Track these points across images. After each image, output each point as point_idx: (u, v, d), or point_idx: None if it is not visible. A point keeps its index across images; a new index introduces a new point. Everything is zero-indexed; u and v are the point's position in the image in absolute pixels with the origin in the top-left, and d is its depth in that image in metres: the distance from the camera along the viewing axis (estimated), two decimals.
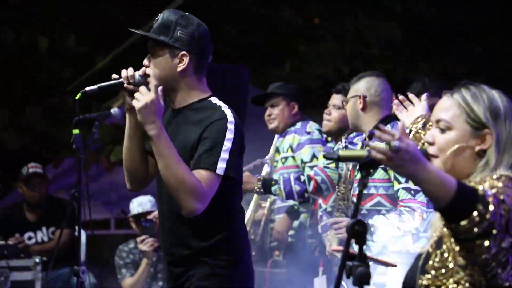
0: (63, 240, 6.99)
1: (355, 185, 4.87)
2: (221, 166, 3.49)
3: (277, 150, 6.38)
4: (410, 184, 4.55)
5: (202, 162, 3.51)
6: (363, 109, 4.85)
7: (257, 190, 5.45)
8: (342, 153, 2.64)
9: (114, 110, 5.67)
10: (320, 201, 5.86)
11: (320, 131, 6.16)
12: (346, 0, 13.23)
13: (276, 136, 6.53)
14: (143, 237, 6.51)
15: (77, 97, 3.76)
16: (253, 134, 8.81)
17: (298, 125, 6.31)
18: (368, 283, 2.51)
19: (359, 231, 2.54)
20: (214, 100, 3.67)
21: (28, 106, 9.77)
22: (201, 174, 3.50)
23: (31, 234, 7.54)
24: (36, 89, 10.42)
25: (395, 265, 3.89)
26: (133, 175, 3.77)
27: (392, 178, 4.65)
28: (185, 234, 3.62)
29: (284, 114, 6.40)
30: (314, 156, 6.09)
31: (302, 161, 6.14)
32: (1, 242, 7.09)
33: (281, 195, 5.49)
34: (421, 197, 4.54)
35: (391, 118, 4.83)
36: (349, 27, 13.81)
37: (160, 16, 3.64)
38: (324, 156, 2.82)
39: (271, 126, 6.44)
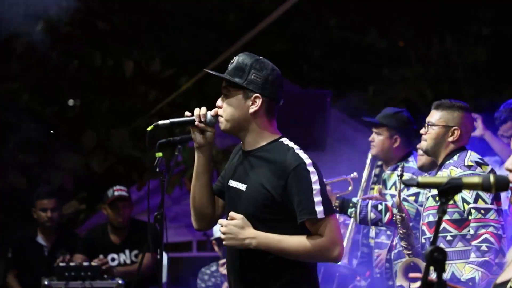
0: (145, 263, 7.05)
1: (425, 213, 4.88)
2: (319, 210, 3.55)
3: (384, 182, 6.23)
4: (479, 204, 4.61)
5: (302, 214, 3.56)
6: (454, 141, 4.82)
7: (334, 208, 5.45)
8: (421, 179, 2.64)
9: None
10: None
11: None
12: (432, 23, 13.10)
13: (369, 157, 6.43)
14: (223, 260, 6.51)
15: (149, 129, 3.85)
16: (335, 155, 8.79)
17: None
18: None
19: (437, 258, 2.51)
20: (286, 141, 3.71)
21: (114, 129, 9.92)
22: (313, 227, 3.57)
23: (114, 255, 7.62)
24: (121, 112, 10.59)
25: None
26: (201, 214, 3.85)
27: (459, 201, 4.65)
28: (256, 274, 3.66)
29: (384, 144, 6.24)
30: (393, 185, 6.00)
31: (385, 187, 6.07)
32: (85, 263, 7.19)
33: (355, 219, 5.48)
34: (492, 215, 4.58)
35: (462, 149, 4.86)
36: (435, 50, 13.66)
37: (236, 59, 3.72)
38: (403, 183, 2.81)
39: (371, 151, 6.34)
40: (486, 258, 4.56)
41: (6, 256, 7.87)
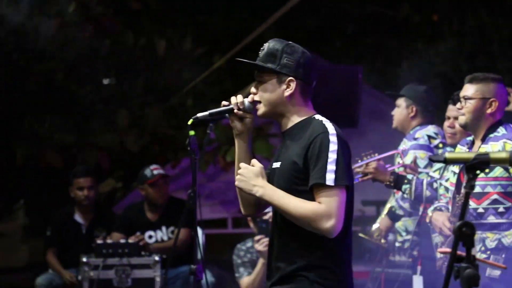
0: (181, 239, 7.12)
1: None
2: (329, 177, 3.58)
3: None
4: None
5: (313, 179, 3.62)
6: (493, 114, 4.80)
7: (388, 183, 5.51)
8: (448, 155, 2.64)
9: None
10: None
11: (431, 136, 6.12)
12: None
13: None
14: (258, 236, 6.56)
15: (189, 123, 3.97)
16: (368, 131, 8.79)
17: (412, 130, 6.27)
18: (476, 285, 2.47)
19: (466, 233, 2.51)
20: (317, 116, 3.79)
21: (148, 108, 9.98)
22: (317, 193, 3.61)
23: (151, 233, 7.71)
24: (155, 90, 10.64)
25: (505, 267, 3.81)
26: (247, 199, 3.90)
27: None
28: (289, 250, 3.71)
29: (400, 115, 6.35)
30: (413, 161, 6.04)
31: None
32: (123, 240, 7.28)
33: (409, 196, 5.51)
34: None
35: (500, 123, 4.83)
36: (470, 23, 13.53)
37: (266, 45, 3.81)
38: (430, 159, 2.81)
39: (393, 125, 6.42)
40: None
41: (45, 234, 8.00)
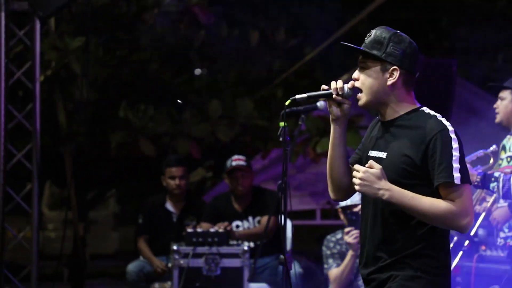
0: (270, 226, 7.16)
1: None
2: (456, 175, 3.60)
3: (503, 148, 6.13)
4: None
5: (440, 178, 3.61)
6: None
7: (476, 183, 5.41)
8: None
9: (321, 103, 5.77)
10: None
11: None
12: None
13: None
14: (348, 228, 6.54)
15: (286, 104, 3.94)
16: (464, 127, 8.65)
17: None
18: None
19: None
20: (427, 109, 3.77)
21: (239, 98, 10.04)
22: (446, 191, 3.62)
23: (238, 223, 7.76)
24: (247, 81, 10.70)
25: None
26: (338, 184, 3.89)
27: None
28: (392, 239, 3.71)
29: (507, 108, 6.11)
30: None
31: None
32: (212, 229, 7.35)
33: (498, 193, 5.40)
34: None
35: None
36: None
37: (373, 32, 3.79)
38: None
39: (496, 120, 6.19)
40: None
41: (137, 222, 8.14)
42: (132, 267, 7.80)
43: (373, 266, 3.75)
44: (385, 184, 3.63)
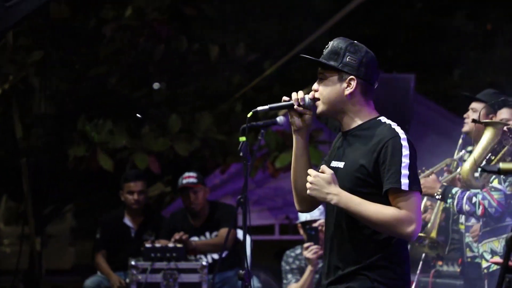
0: (229, 239, 7.13)
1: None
2: (404, 182, 3.62)
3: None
4: None
5: (387, 183, 3.64)
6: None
7: (436, 196, 5.46)
8: (503, 166, 2.61)
9: (280, 118, 5.77)
10: None
11: None
12: None
13: (461, 138, 6.33)
14: (307, 244, 6.55)
15: (248, 115, 3.99)
16: (420, 140, 8.72)
17: None
18: None
19: None
20: (384, 119, 3.81)
21: (198, 113, 10.02)
22: (394, 198, 3.65)
23: (195, 238, 7.73)
24: (206, 96, 10.67)
25: None
26: (302, 196, 3.92)
27: None
28: (351, 250, 3.74)
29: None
30: None
31: None
32: (171, 244, 7.32)
33: (453, 209, 5.46)
34: None
35: None
36: None
37: (330, 43, 3.84)
38: (483, 169, 2.79)
39: (463, 128, 6.22)
40: None
41: (94, 237, 8.07)
42: (89, 282, 7.73)
43: (332, 276, 3.79)
44: (334, 189, 3.68)
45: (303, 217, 6.73)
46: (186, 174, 7.77)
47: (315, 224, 6.60)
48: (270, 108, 3.91)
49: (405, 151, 3.64)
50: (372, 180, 3.68)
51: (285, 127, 8.92)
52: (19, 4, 5.78)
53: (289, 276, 6.73)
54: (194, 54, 10.08)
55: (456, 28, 13.41)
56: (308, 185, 3.73)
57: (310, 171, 3.76)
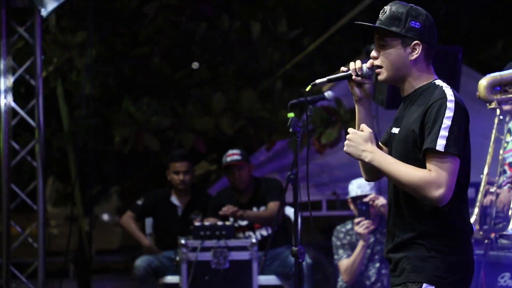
0: (275, 212, 7.12)
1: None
2: (440, 143, 3.52)
3: (509, 131, 6.10)
4: None
5: (425, 144, 3.57)
6: None
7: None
8: None
9: (328, 93, 5.75)
10: None
11: None
12: None
13: (508, 116, 6.25)
14: (358, 219, 6.53)
15: (307, 89, 3.90)
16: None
17: None
18: None
19: None
20: (438, 81, 3.72)
21: (242, 90, 10.01)
22: (428, 159, 3.57)
23: None
24: (249, 73, 10.65)
25: None
26: (368, 165, 3.83)
27: None
28: (406, 217, 3.69)
29: None
30: None
31: None
32: (220, 222, 7.34)
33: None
34: None
35: None
36: None
37: (388, 8, 3.74)
38: None
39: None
40: None
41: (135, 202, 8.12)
42: (140, 262, 7.77)
43: (390, 243, 3.75)
44: (370, 147, 3.65)
45: (354, 192, 6.70)
46: (230, 151, 7.78)
47: (365, 199, 6.57)
48: (329, 80, 3.84)
49: (449, 113, 3.53)
50: (421, 145, 3.61)
51: (331, 102, 8.89)
52: None
53: (340, 251, 6.71)
54: (236, 32, 10.05)
55: None
56: (346, 142, 3.71)
57: (350, 129, 3.74)
